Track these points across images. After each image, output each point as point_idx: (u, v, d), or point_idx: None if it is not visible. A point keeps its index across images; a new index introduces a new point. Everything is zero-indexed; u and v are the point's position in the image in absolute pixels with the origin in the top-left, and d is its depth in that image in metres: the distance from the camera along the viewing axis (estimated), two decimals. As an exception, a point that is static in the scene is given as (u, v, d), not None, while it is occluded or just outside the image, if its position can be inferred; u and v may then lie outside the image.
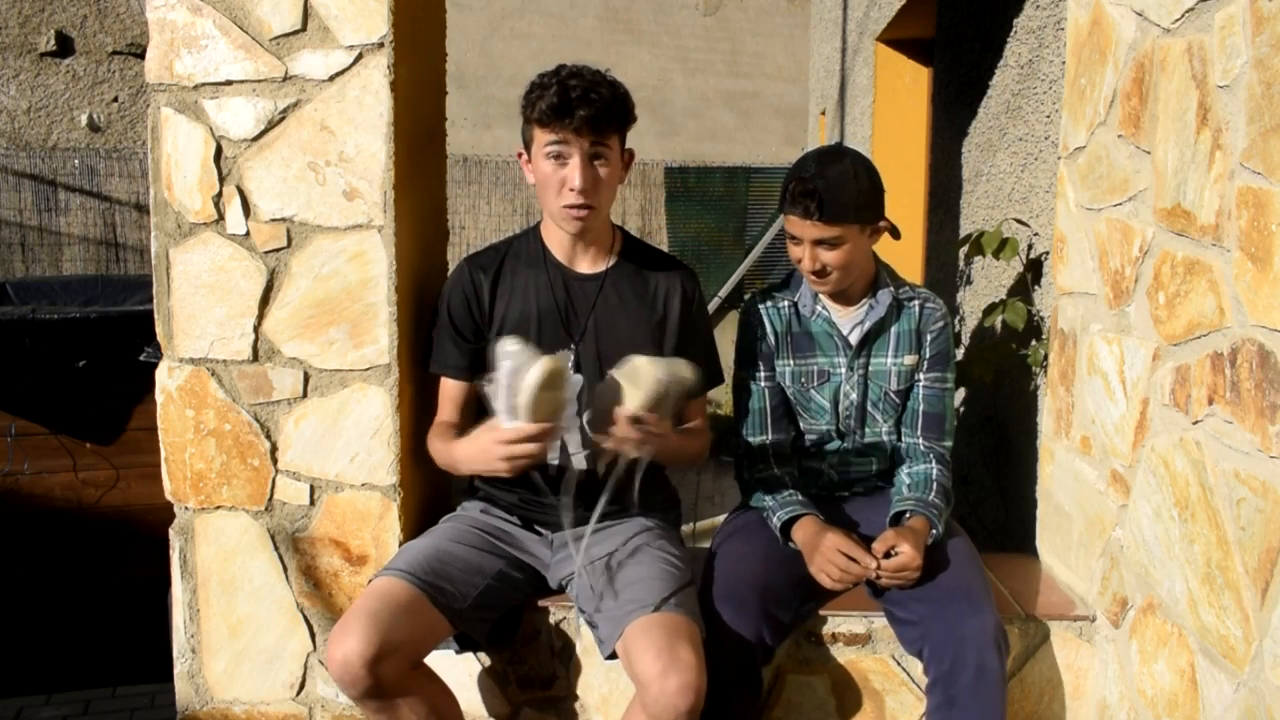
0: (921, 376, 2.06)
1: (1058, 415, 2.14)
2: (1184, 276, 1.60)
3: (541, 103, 1.80)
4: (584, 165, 1.82)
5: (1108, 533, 1.89)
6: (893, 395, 2.06)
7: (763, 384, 2.06)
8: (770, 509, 1.97)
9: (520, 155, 1.94)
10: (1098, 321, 1.93)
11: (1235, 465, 1.46)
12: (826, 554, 1.83)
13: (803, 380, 2.06)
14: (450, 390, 1.99)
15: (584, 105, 1.79)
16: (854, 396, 2.05)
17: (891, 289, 2.04)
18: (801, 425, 2.10)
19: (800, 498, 1.98)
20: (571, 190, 1.83)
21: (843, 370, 2.04)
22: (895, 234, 2.03)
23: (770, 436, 2.05)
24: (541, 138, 1.83)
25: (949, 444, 2.07)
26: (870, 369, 2.05)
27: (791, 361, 2.06)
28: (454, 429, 1.96)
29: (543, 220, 2.01)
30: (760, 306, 2.08)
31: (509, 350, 1.65)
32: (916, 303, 2.06)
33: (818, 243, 1.91)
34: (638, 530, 1.95)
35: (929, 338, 2.05)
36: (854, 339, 2.03)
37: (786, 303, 2.07)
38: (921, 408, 2.06)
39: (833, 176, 1.89)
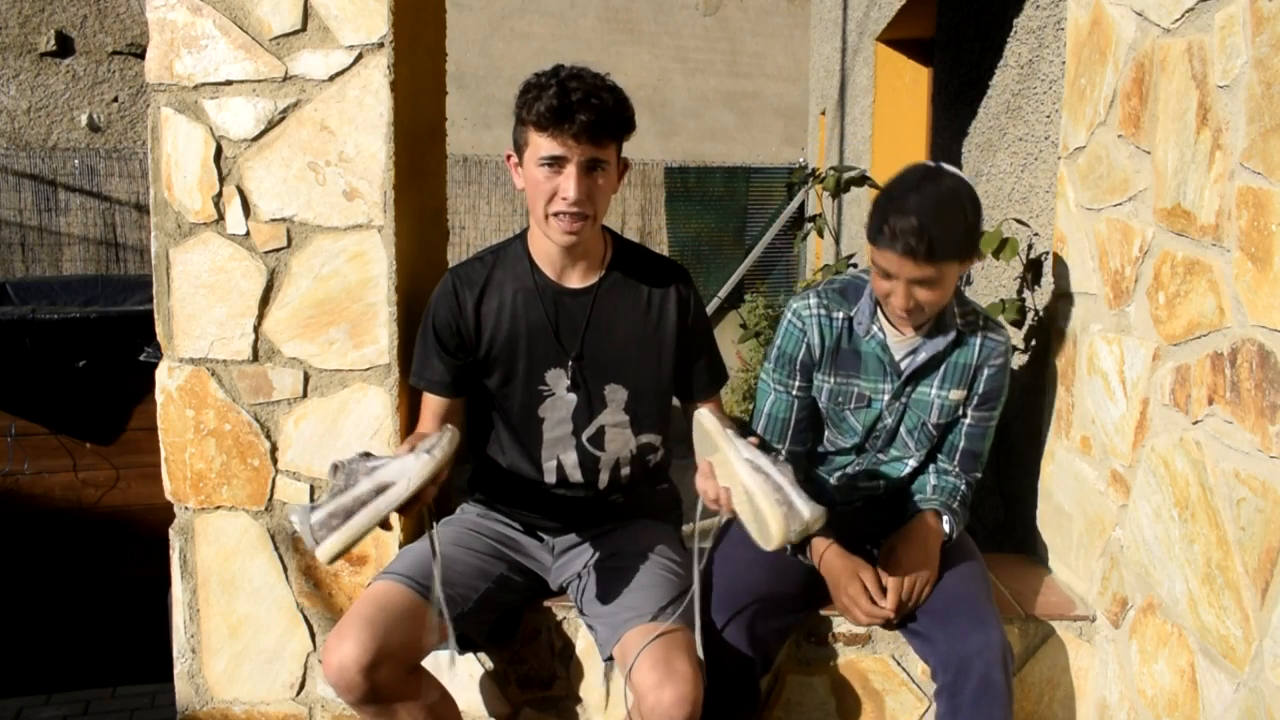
0: (969, 412, 1.93)
1: (1058, 415, 2.14)
2: (1184, 276, 1.60)
3: (539, 104, 1.67)
4: (579, 175, 1.70)
5: (1108, 533, 1.89)
6: (930, 428, 1.93)
7: (794, 394, 1.93)
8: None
9: (509, 158, 1.81)
10: (1098, 321, 1.93)
11: (1235, 465, 1.46)
12: (856, 598, 1.81)
13: (840, 399, 1.93)
14: (433, 405, 1.92)
15: (585, 110, 1.66)
16: (889, 423, 1.94)
17: (958, 324, 1.87)
18: (825, 436, 2.00)
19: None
20: (564, 200, 1.71)
21: (885, 398, 1.91)
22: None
23: (788, 447, 1.96)
24: (537, 142, 1.70)
25: (979, 475, 2.00)
26: (913, 397, 1.92)
27: (832, 379, 1.92)
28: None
29: (529, 230, 1.89)
30: (812, 315, 1.90)
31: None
32: (978, 336, 1.89)
33: (914, 282, 1.72)
34: (636, 537, 1.94)
35: (985, 374, 1.89)
36: (904, 366, 1.88)
37: (841, 315, 1.90)
38: (963, 444, 1.96)
39: (938, 213, 1.68)
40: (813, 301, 1.91)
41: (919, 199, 1.69)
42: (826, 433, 2.00)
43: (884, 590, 1.81)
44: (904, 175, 1.78)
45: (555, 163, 1.70)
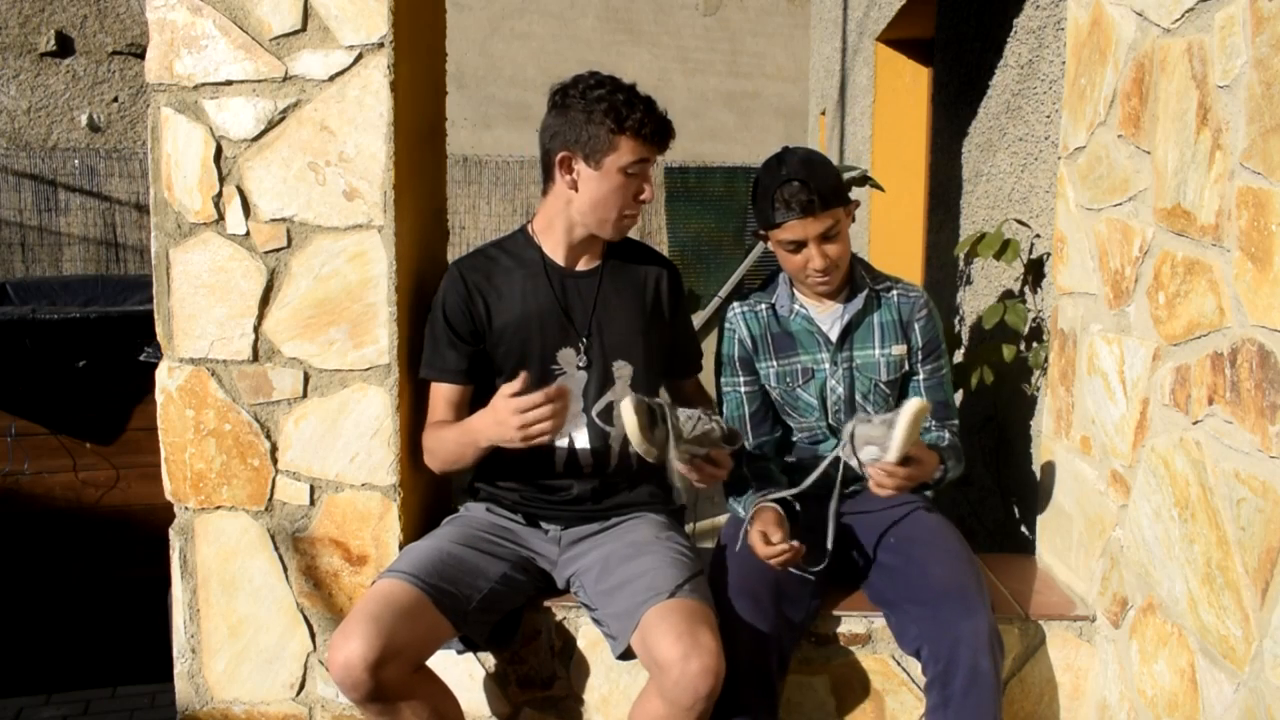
0: (920, 369, 2.07)
1: (1058, 415, 2.14)
2: (1184, 276, 1.60)
3: (646, 126, 1.84)
4: (652, 179, 1.92)
5: (1108, 533, 1.89)
6: (883, 387, 2.06)
7: (741, 389, 2.09)
8: (742, 513, 1.99)
9: (567, 158, 1.88)
10: (1098, 321, 1.93)
11: (1235, 465, 1.46)
12: (754, 544, 1.84)
13: (788, 380, 2.07)
14: (445, 394, 1.98)
15: (671, 127, 1.90)
16: (840, 391, 2.05)
17: (867, 280, 2.06)
18: (792, 424, 2.11)
19: (759, 494, 1.97)
20: (642, 201, 1.90)
21: (826, 365, 2.05)
22: (875, 185, 2.00)
23: (750, 441, 2.08)
24: (632, 149, 1.85)
25: (955, 422, 2.10)
26: (856, 362, 2.05)
27: (775, 363, 2.07)
28: (448, 423, 1.96)
29: (532, 222, 2.01)
30: (736, 313, 2.10)
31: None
32: (895, 292, 2.07)
33: (822, 238, 1.92)
34: (645, 526, 1.96)
35: (917, 327, 2.06)
36: (834, 333, 2.04)
37: (764, 306, 2.09)
38: (926, 399, 2.06)
39: (810, 168, 1.92)
40: (737, 304, 2.13)
41: (789, 167, 1.92)
42: (790, 419, 2.11)
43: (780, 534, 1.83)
44: (765, 166, 1.99)
45: (644, 169, 1.90)
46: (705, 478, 1.82)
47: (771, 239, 1.98)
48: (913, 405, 1.73)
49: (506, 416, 1.72)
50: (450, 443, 1.92)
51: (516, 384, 1.73)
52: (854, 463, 1.83)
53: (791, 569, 1.86)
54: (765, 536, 1.83)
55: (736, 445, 1.88)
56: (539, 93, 2.23)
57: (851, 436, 1.83)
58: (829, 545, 1.91)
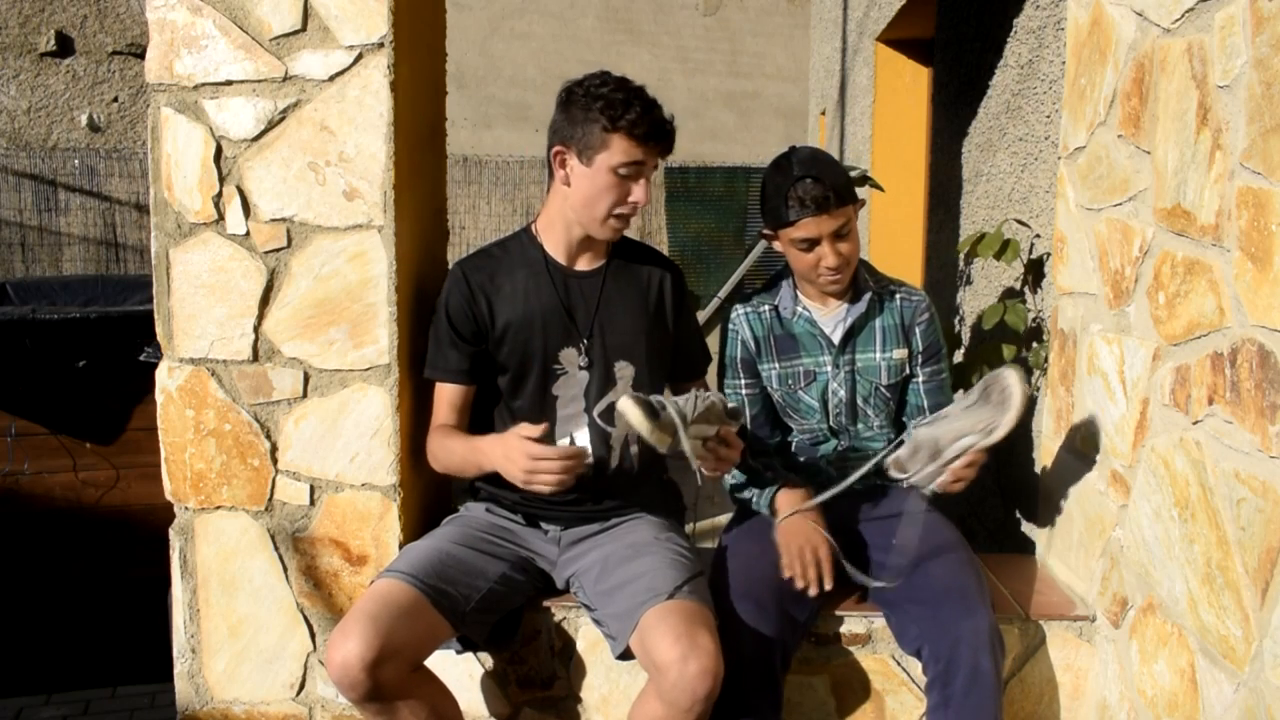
0: (920, 372, 2.07)
1: (1058, 415, 2.14)
2: (1184, 276, 1.60)
3: (639, 126, 1.80)
4: (649, 182, 1.87)
5: (1108, 533, 1.89)
6: (884, 390, 2.06)
7: (743, 392, 2.09)
8: (754, 495, 2.00)
9: (560, 153, 1.87)
10: (1098, 321, 1.93)
11: (1235, 465, 1.46)
12: (808, 560, 1.84)
13: (790, 382, 2.07)
14: (448, 394, 1.99)
15: (669, 131, 1.86)
16: (842, 394, 2.05)
17: (870, 283, 2.05)
18: (793, 426, 2.11)
19: (777, 479, 1.98)
20: (637, 203, 1.86)
21: (828, 369, 2.04)
22: (875, 185, 1.98)
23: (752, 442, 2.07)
24: (625, 149, 1.82)
25: None
26: (858, 365, 2.05)
27: (777, 365, 2.07)
28: (455, 431, 1.97)
29: (536, 221, 2.00)
30: (740, 315, 2.09)
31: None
32: (898, 296, 2.07)
33: (835, 236, 1.92)
34: (645, 527, 1.96)
35: (918, 330, 2.06)
36: (837, 336, 2.04)
37: (767, 307, 2.08)
38: (925, 402, 2.08)
39: (821, 165, 1.92)
40: (740, 305, 2.12)
41: (801, 165, 1.91)
42: (789, 422, 2.11)
43: (830, 577, 1.84)
44: (774, 166, 1.98)
45: (637, 171, 1.85)
46: (721, 463, 1.78)
47: (782, 238, 1.97)
48: (1017, 375, 1.71)
49: (518, 457, 1.73)
50: (456, 456, 1.93)
51: (537, 430, 1.73)
52: (918, 476, 1.80)
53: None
54: (818, 560, 1.83)
55: (741, 420, 1.86)
56: (539, 93, 2.24)
57: (932, 443, 1.78)
58: (852, 574, 1.90)
